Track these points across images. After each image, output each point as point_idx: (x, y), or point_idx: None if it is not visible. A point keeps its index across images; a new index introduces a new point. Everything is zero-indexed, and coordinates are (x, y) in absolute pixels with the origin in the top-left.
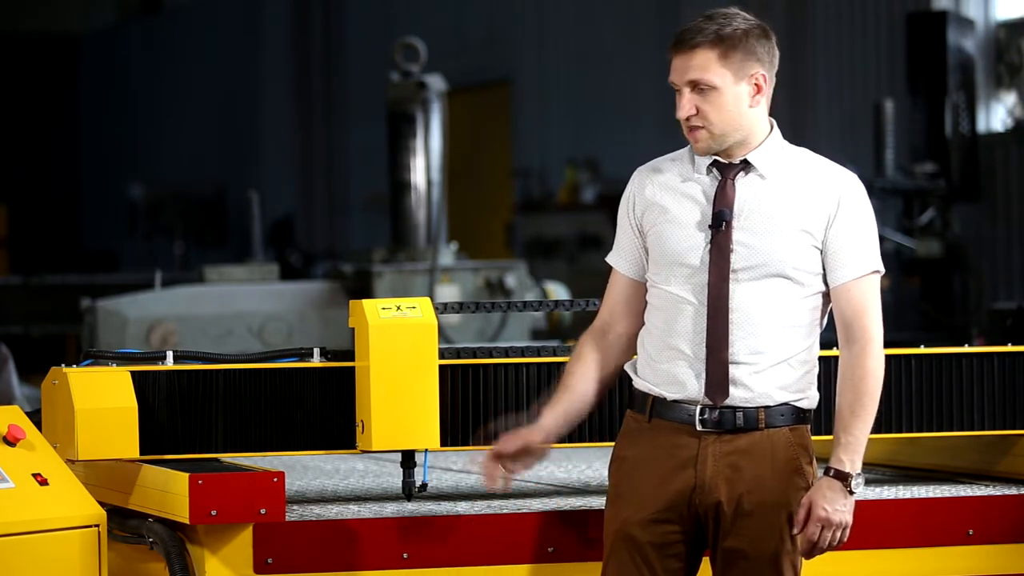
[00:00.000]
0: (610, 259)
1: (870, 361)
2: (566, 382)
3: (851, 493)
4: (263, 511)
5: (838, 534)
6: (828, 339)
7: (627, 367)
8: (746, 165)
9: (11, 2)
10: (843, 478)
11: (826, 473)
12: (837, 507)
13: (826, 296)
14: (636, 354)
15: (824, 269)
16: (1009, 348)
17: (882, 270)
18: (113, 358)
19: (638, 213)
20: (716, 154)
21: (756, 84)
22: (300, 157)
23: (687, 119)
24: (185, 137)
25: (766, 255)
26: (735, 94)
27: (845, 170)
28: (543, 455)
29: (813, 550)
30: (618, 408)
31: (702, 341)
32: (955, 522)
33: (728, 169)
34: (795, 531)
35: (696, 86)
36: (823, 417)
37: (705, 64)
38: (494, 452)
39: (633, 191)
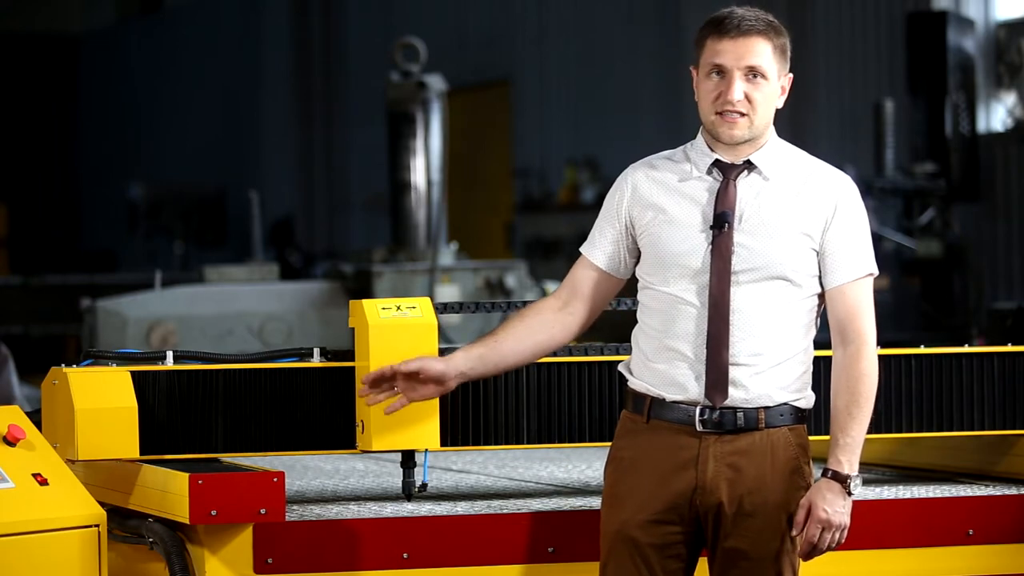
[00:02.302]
0: (583, 248)
1: (865, 363)
2: (498, 332)
3: (849, 494)
4: (263, 511)
5: (837, 535)
6: (824, 340)
7: (621, 367)
8: (749, 165)
9: (11, 2)
10: (842, 480)
11: (824, 475)
12: (837, 509)
13: (821, 297)
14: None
15: (819, 271)
16: (1009, 348)
17: (876, 272)
18: (113, 358)
19: (631, 211)
20: (720, 152)
21: (783, 86)
22: (300, 157)
23: (736, 103)
24: (185, 137)
25: (767, 258)
26: (775, 89)
27: (840, 172)
28: (440, 388)
29: (813, 551)
30: (618, 408)
31: (703, 343)
32: (955, 522)
33: (730, 169)
34: (794, 532)
35: (751, 72)
36: (821, 417)
37: (763, 51)
38: (389, 367)
39: (626, 188)
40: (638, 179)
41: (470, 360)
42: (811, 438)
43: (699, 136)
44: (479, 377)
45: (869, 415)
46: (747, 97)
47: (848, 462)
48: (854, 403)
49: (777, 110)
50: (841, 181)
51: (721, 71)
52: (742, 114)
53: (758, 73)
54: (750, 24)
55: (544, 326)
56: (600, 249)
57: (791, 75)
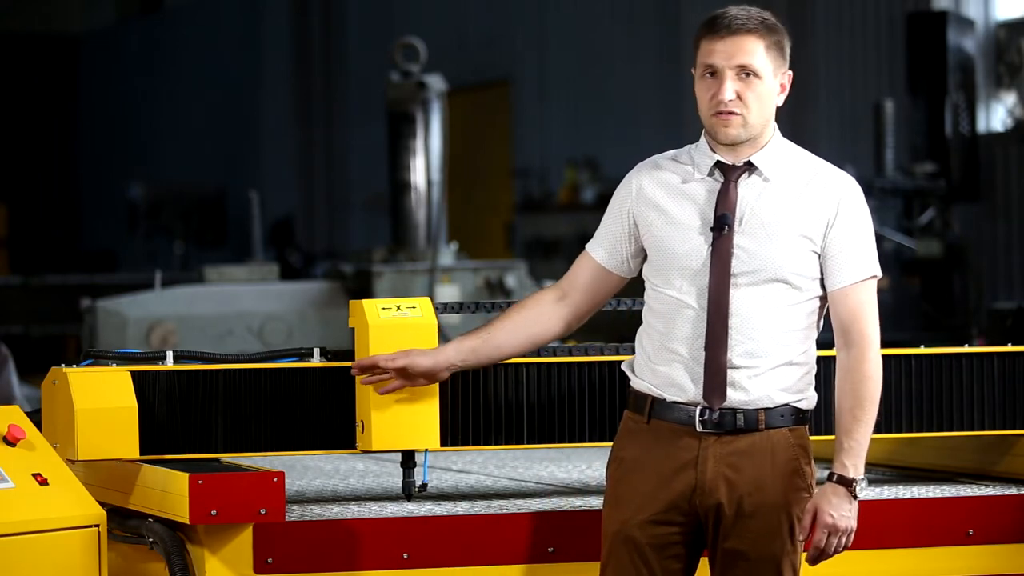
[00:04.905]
0: (587, 244)
1: (869, 365)
2: (493, 324)
3: (855, 498)
4: (263, 511)
5: (843, 540)
6: (827, 340)
7: (624, 367)
8: (750, 167)
9: (11, 2)
10: (847, 483)
11: (829, 479)
12: (843, 513)
13: (823, 299)
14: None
15: (822, 273)
16: (1009, 348)
17: (879, 274)
18: (113, 358)
19: (635, 211)
20: (721, 153)
21: (782, 83)
22: (300, 157)
23: (728, 102)
24: (185, 137)
25: (766, 260)
26: (771, 87)
27: (844, 173)
28: (431, 380)
29: (820, 556)
30: (618, 408)
31: (701, 345)
32: (955, 522)
33: (731, 171)
34: (800, 537)
35: (743, 71)
36: (823, 417)
37: (755, 50)
38: (373, 360)
39: (632, 186)
40: (643, 179)
41: (462, 353)
42: (813, 438)
43: (702, 137)
44: (473, 368)
45: (874, 418)
46: (740, 96)
47: (853, 466)
48: (858, 406)
49: (778, 109)
50: (844, 183)
51: (714, 71)
52: (735, 113)
53: (749, 72)
54: (740, 23)
55: (540, 318)
56: (601, 246)
57: (790, 72)
